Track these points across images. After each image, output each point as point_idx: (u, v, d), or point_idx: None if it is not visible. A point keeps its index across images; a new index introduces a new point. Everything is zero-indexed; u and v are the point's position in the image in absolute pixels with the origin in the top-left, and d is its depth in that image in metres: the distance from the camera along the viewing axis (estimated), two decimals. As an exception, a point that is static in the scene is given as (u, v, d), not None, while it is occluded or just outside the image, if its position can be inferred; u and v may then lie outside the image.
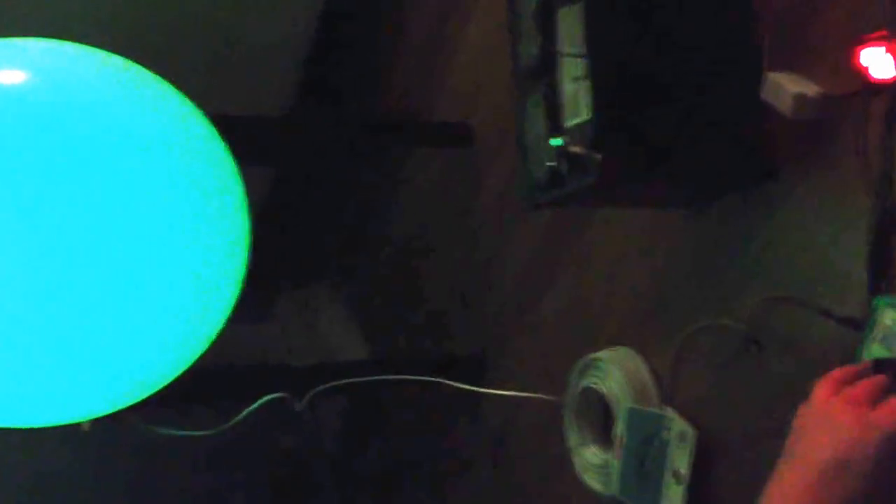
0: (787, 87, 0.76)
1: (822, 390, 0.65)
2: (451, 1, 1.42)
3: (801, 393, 0.67)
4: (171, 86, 0.79)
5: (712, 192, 0.90)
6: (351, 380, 1.05)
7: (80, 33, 0.84)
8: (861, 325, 0.69)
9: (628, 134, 0.81)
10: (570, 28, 0.83)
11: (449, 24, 1.43)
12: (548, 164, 0.83)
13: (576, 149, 0.81)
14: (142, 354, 0.73)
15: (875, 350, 0.67)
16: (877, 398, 0.63)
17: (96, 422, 0.83)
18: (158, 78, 0.78)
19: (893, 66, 0.67)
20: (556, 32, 0.85)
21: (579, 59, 0.81)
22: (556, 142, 0.81)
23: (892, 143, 0.70)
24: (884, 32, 0.67)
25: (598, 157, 0.79)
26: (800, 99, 0.75)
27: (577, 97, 0.82)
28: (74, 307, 0.69)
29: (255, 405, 0.93)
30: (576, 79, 0.82)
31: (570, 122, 0.83)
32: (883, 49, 0.67)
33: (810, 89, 0.76)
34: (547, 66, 0.86)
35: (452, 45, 1.41)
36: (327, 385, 1.01)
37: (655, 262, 1.00)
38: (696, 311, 0.93)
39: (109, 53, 0.77)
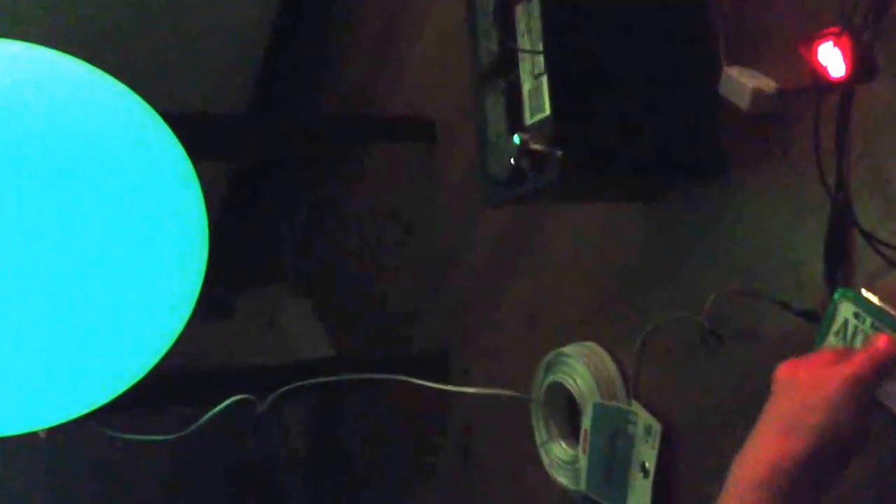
0: (744, 82, 0.77)
1: (783, 368, 0.66)
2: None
3: (760, 384, 0.68)
4: (123, 84, 0.77)
5: (669, 186, 0.90)
6: (315, 380, 1.04)
7: (28, 30, 0.82)
8: (819, 317, 0.70)
9: (588, 130, 0.81)
10: (528, 24, 0.83)
11: (408, 17, 1.42)
12: (509, 161, 0.82)
13: (537, 146, 0.80)
14: (97, 359, 0.72)
15: (832, 342, 0.68)
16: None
17: (52, 429, 0.81)
18: (110, 76, 0.77)
19: (843, 62, 0.68)
20: (514, 29, 0.84)
21: (538, 56, 0.81)
22: (517, 139, 0.81)
23: (844, 135, 0.71)
24: (835, 29, 0.68)
25: (559, 153, 0.79)
26: (757, 93, 0.76)
27: (537, 94, 0.82)
28: (27, 310, 0.67)
29: (219, 407, 0.91)
30: (536, 75, 0.82)
31: (532, 119, 0.83)
32: (832, 44, 0.67)
33: (767, 84, 0.76)
34: (507, 63, 0.85)
35: (412, 37, 1.40)
36: (291, 385, 0.99)
37: (614, 258, 1.00)
38: (657, 304, 0.93)
39: (59, 52, 0.75)
